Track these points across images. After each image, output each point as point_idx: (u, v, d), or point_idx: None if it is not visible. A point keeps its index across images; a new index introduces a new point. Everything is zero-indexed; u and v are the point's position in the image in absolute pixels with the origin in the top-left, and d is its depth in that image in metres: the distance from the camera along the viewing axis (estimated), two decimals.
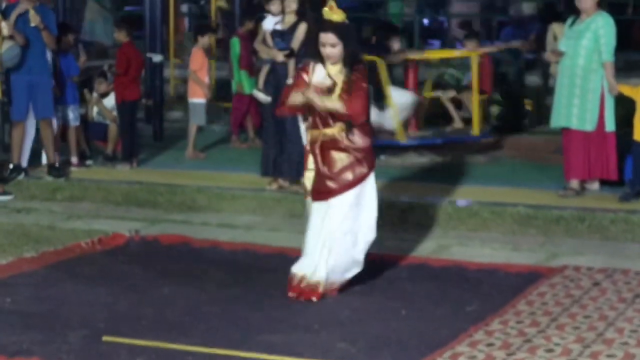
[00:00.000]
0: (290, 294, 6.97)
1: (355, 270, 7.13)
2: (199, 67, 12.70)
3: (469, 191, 10.01)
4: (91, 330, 6.21)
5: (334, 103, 6.96)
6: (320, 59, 7.06)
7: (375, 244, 7.24)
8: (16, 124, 11.11)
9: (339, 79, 7.02)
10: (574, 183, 9.70)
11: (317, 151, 7.08)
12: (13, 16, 10.80)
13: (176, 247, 8.49)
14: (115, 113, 11.98)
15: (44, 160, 11.32)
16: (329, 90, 7.02)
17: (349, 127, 7.00)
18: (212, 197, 10.07)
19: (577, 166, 9.64)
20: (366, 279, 7.26)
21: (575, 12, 9.72)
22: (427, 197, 9.66)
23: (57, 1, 15.29)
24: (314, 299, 6.92)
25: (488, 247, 8.39)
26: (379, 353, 5.86)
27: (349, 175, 7.03)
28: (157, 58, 13.67)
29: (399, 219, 9.06)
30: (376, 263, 7.52)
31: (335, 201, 7.01)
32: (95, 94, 12.35)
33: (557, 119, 9.78)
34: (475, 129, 12.23)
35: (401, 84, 12.79)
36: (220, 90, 15.65)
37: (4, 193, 10.51)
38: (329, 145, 7.04)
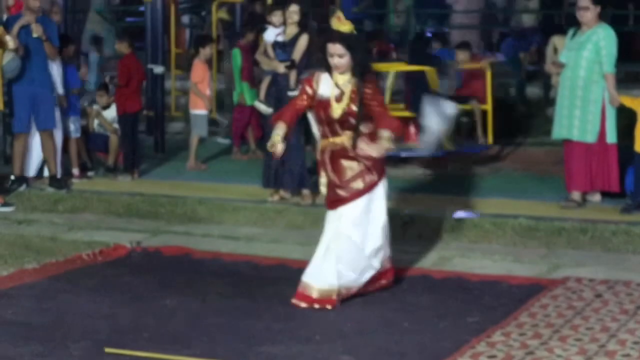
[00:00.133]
0: (303, 305, 6.94)
1: (370, 273, 7.12)
2: (200, 79, 12.71)
3: (470, 203, 10.00)
4: (93, 342, 6.19)
5: (386, 141, 6.94)
6: (328, 68, 7.12)
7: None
8: (18, 135, 11.10)
9: (347, 89, 7.07)
10: (576, 195, 9.70)
11: (327, 160, 7.12)
12: (16, 28, 10.76)
13: (177, 259, 8.49)
14: (116, 125, 11.99)
15: (46, 172, 11.31)
16: (337, 100, 7.06)
17: (357, 135, 7.03)
18: (213, 208, 10.07)
19: (578, 178, 9.64)
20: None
21: (577, 24, 9.74)
22: (429, 208, 9.67)
23: (65, 14, 15.28)
24: (329, 306, 6.91)
25: (490, 258, 8.39)
26: None
27: (359, 184, 7.06)
28: (158, 69, 13.69)
29: (401, 230, 9.05)
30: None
31: (346, 209, 7.04)
32: (95, 106, 12.36)
33: (559, 131, 9.79)
34: (483, 139, 12.50)
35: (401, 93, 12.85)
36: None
37: (6, 204, 10.51)
38: (338, 154, 7.09)
